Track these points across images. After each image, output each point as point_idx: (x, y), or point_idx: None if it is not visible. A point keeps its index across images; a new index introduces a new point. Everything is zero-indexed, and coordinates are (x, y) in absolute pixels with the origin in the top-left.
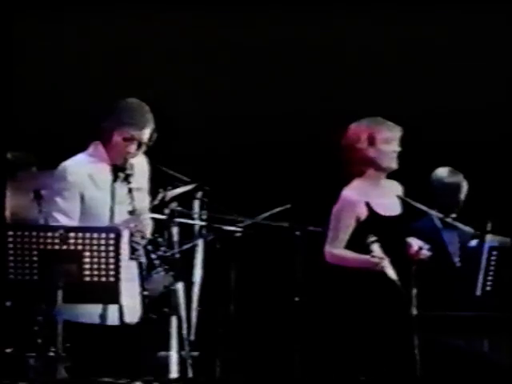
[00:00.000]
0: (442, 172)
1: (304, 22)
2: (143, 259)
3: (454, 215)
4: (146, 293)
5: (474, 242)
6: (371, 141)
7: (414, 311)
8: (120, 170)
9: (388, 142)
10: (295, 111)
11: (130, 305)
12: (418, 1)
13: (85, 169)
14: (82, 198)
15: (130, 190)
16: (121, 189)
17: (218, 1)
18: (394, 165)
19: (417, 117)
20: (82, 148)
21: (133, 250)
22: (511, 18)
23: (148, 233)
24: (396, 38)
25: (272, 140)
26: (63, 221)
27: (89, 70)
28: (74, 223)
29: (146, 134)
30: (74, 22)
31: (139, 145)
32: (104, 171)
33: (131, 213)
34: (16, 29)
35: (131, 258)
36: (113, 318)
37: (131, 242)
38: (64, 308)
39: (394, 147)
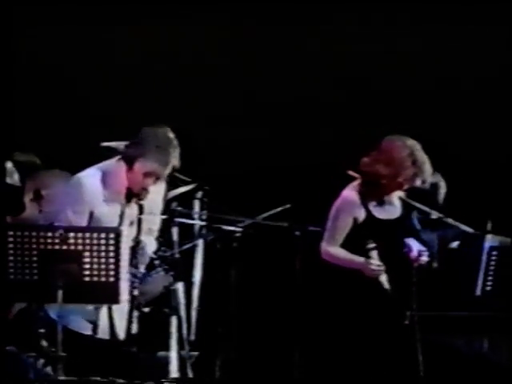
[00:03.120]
0: None
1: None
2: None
3: (434, 216)
4: (131, 319)
5: (455, 244)
6: (414, 161)
7: (407, 321)
8: (134, 196)
9: (417, 180)
10: (295, 110)
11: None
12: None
13: (99, 184)
14: (92, 214)
15: (139, 220)
16: (131, 210)
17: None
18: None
19: (418, 116)
20: (83, 149)
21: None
22: None
23: (146, 259)
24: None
25: (272, 140)
26: None
27: (90, 71)
28: None
29: (168, 170)
30: (76, 22)
31: (158, 179)
32: (118, 191)
33: (136, 243)
34: (17, 28)
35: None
36: (103, 332)
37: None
38: (60, 312)
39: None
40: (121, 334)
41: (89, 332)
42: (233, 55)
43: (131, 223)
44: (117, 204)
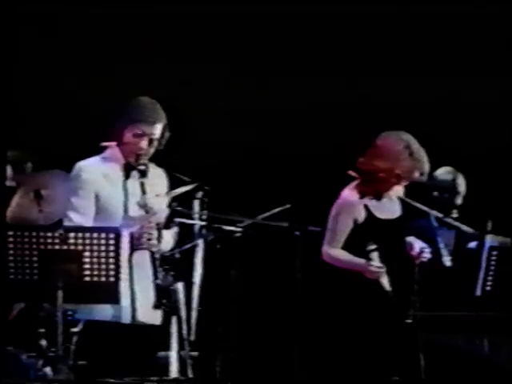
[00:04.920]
0: (441, 172)
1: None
2: (156, 248)
3: (455, 215)
4: (158, 281)
5: (473, 244)
6: (410, 153)
7: (409, 320)
8: (133, 168)
9: (414, 174)
10: (296, 111)
11: (145, 303)
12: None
13: (99, 168)
14: (97, 197)
15: (141, 184)
16: (135, 186)
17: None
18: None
19: (418, 115)
20: (84, 147)
21: (146, 239)
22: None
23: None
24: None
25: (272, 140)
26: (77, 219)
27: (90, 68)
28: (89, 221)
29: (156, 129)
30: (76, 18)
31: (150, 141)
32: (118, 169)
33: (140, 205)
34: (17, 26)
35: (141, 248)
36: (126, 317)
37: (144, 234)
38: (80, 308)
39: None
40: (143, 318)
41: (113, 318)
42: (235, 52)
43: (138, 203)
44: (119, 182)
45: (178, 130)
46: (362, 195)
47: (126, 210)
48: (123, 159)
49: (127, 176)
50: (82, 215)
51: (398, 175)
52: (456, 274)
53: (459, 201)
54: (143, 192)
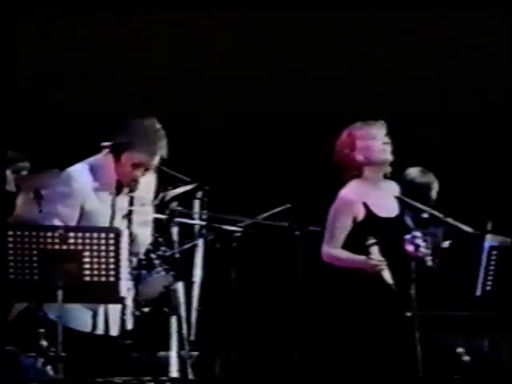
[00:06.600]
0: (413, 172)
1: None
2: (130, 284)
3: (425, 215)
4: (125, 317)
5: (446, 243)
6: (352, 144)
7: (409, 313)
8: (124, 187)
9: (369, 138)
10: (295, 111)
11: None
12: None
13: (89, 178)
14: (82, 208)
15: (129, 212)
16: (123, 203)
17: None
18: (385, 156)
19: (416, 115)
20: (82, 148)
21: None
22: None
23: (141, 251)
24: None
25: (272, 140)
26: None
27: (90, 70)
28: None
29: (155, 160)
30: (76, 20)
31: (147, 169)
32: (108, 184)
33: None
34: (16, 27)
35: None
36: (100, 328)
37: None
38: (56, 311)
39: (379, 141)
40: (114, 330)
41: (88, 329)
42: (233, 53)
43: (123, 217)
44: (107, 197)
45: (178, 149)
46: (363, 188)
47: (111, 224)
48: (115, 176)
49: (118, 193)
50: (63, 223)
51: (352, 141)
52: (453, 275)
53: (432, 203)
54: (130, 222)
